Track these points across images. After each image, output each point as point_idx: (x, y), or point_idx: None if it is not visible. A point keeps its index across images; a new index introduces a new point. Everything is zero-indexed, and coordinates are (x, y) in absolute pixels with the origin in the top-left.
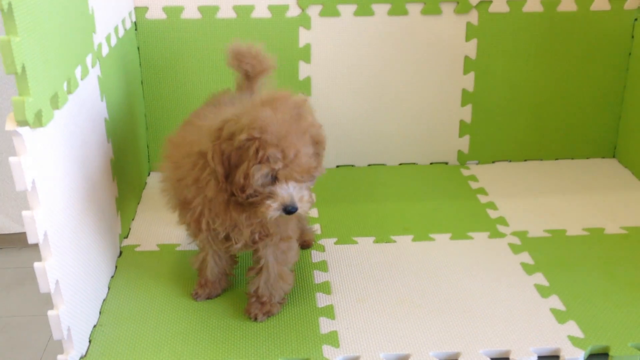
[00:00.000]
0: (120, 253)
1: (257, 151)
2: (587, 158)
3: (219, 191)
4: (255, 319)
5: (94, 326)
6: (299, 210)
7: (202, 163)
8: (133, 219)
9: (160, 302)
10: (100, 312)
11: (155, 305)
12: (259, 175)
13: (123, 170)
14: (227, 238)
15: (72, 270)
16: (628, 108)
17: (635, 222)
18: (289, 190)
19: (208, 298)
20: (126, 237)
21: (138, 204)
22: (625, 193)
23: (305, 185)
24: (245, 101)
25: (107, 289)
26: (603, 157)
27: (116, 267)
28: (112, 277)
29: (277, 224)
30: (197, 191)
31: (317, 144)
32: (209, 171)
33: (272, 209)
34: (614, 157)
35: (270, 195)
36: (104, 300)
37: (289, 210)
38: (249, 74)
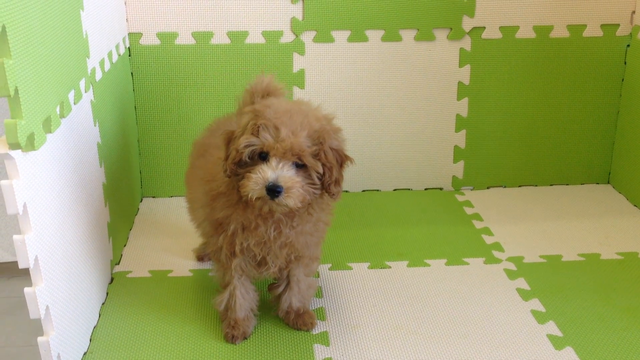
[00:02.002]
0: (112, 279)
1: (252, 121)
2: (582, 184)
3: (227, 182)
4: (312, 329)
5: (84, 353)
6: (285, 197)
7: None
8: (125, 245)
9: (151, 329)
10: (90, 339)
11: (147, 333)
12: (246, 143)
13: (115, 196)
14: (260, 263)
15: (62, 296)
16: (622, 134)
17: (630, 247)
18: (275, 169)
19: (245, 338)
20: (118, 263)
21: (130, 229)
22: (620, 218)
23: (301, 176)
24: None
25: (97, 315)
26: (597, 183)
27: (107, 293)
28: (103, 303)
29: (307, 244)
30: (226, 201)
31: (320, 142)
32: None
33: (252, 181)
34: (608, 182)
35: (256, 171)
36: (94, 327)
37: (271, 188)
38: None
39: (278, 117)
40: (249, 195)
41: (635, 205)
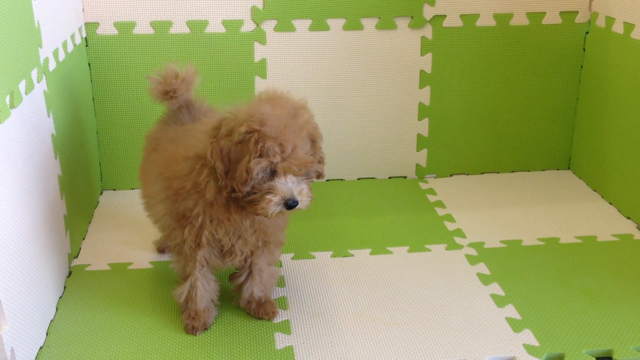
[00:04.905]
0: (70, 273)
1: (256, 144)
2: (543, 170)
3: (218, 192)
4: (273, 318)
5: (40, 348)
6: (300, 205)
7: (199, 165)
8: (84, 238)
9: (110, 322)
10: (47, 333)
11: (105, 326)
12: (258, 169)
13: (72, 188)
14: (226, 254)
15: (16, 290)
16: (581, 120)
17: (589, 231)
18: (288, 185)
19: (205, 329)
20: (76, 256)
21: (90, 222)
22: (580, 203)
23: (304, 181)
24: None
25: (55, 309)
26: (558, 169)
27: (65, 287)
28: (61, 297)
29: (274, 229)
30: (198, 198)
31: (314, 141)
32: (207, 172)
33: (272, 204)
34: (568, 168)
35: (270, 190)
36: (51, 321)
37: (290, 204)
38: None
39: (279, 133)
40: (269, 214)
41: (594, 190)
